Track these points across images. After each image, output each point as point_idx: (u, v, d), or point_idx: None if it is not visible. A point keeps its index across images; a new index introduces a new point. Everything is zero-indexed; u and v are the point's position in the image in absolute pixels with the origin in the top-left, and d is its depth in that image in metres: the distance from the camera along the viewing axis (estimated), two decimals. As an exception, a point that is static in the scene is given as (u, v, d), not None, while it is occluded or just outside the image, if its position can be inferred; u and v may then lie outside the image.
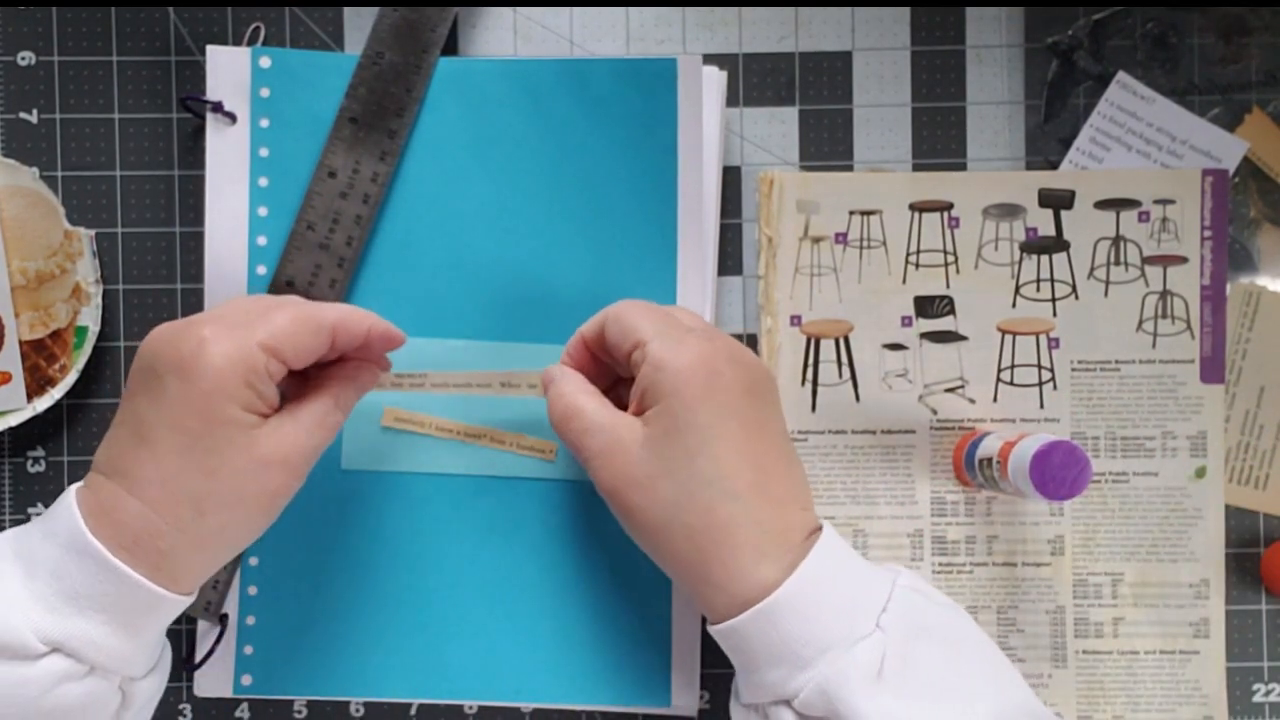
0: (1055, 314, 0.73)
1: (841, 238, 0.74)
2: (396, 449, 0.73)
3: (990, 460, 0.68)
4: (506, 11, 0.74)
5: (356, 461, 0.72)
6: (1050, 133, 0.74)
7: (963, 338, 0.74)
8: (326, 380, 0.64)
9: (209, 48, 0.72)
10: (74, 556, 0.57)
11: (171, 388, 0.58)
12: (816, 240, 0.73)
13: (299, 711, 0.74)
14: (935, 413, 0.74)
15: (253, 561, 0.72)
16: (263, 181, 0.72)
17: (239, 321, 0.59)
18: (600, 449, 0.62)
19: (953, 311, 0.74)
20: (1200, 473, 0.73)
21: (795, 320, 0.74)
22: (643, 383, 0.62)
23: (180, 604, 0.59)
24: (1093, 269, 0.73)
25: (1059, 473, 0.63)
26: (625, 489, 0.62)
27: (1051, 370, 0.73)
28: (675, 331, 0.62)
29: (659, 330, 0.62)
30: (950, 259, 0.74)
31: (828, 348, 0.74)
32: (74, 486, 0.59)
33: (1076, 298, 0.73)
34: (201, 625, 0.72)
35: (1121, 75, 0.73)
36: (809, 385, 0.73)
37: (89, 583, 0.56)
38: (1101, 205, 0.73)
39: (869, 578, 0.61)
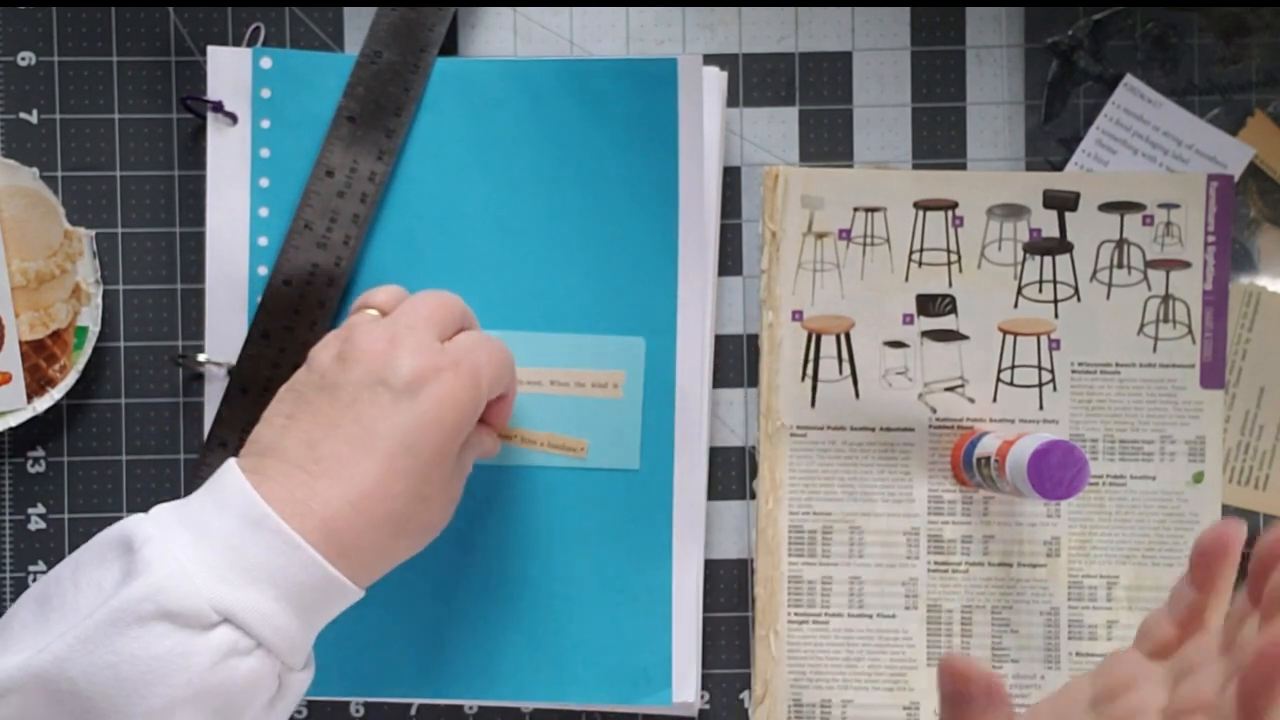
0: (1057, 315, 0.73)
1: (845, 234, 0.74)
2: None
3: (988, 459, 0.68)
4: (506, 11, 0.74)
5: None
6: (1050, 133, 0.74)
7: (964, 337, 0.74)
8: (469, 442, 0.65)
9: (210, 48, 0.72)
10: (251, 528, 0.56)
11: (409, 410, 0.59)
12: (820, 236, 0.73)
13: (299, 712, 0.74)
14: (934, 411, 0.74)
15: (253, 562, 0.72)
16: (263, 182, 0.72)
17: (471, 363, 0.61)
18: None
19: (954, 310, 0.74)
20: (1198, 478, 0.73)
21: (797, 315, 0.74)
22: None
23: (353, 596, 0.59)
24: (1095, 271, 0.73)
25: (1057, 472, 0.63)
26: None
27: (1051, 371, 0.73)
28: None
29: None
30: (953, 258, 0.74)
31: (829, 344, 0.74)
32: (233, 461, 0.59)
33: (1078, 300, 0.73)
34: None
35: (1129, 78, 0.73)
36: (809, 381, 0.74)
37: (266, 556, 0.55)
38: (1105, 208, 0.73)
39: None
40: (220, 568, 0.55)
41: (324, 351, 0.62)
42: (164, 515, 0.57)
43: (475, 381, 0.61)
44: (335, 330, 0.63)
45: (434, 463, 0.60)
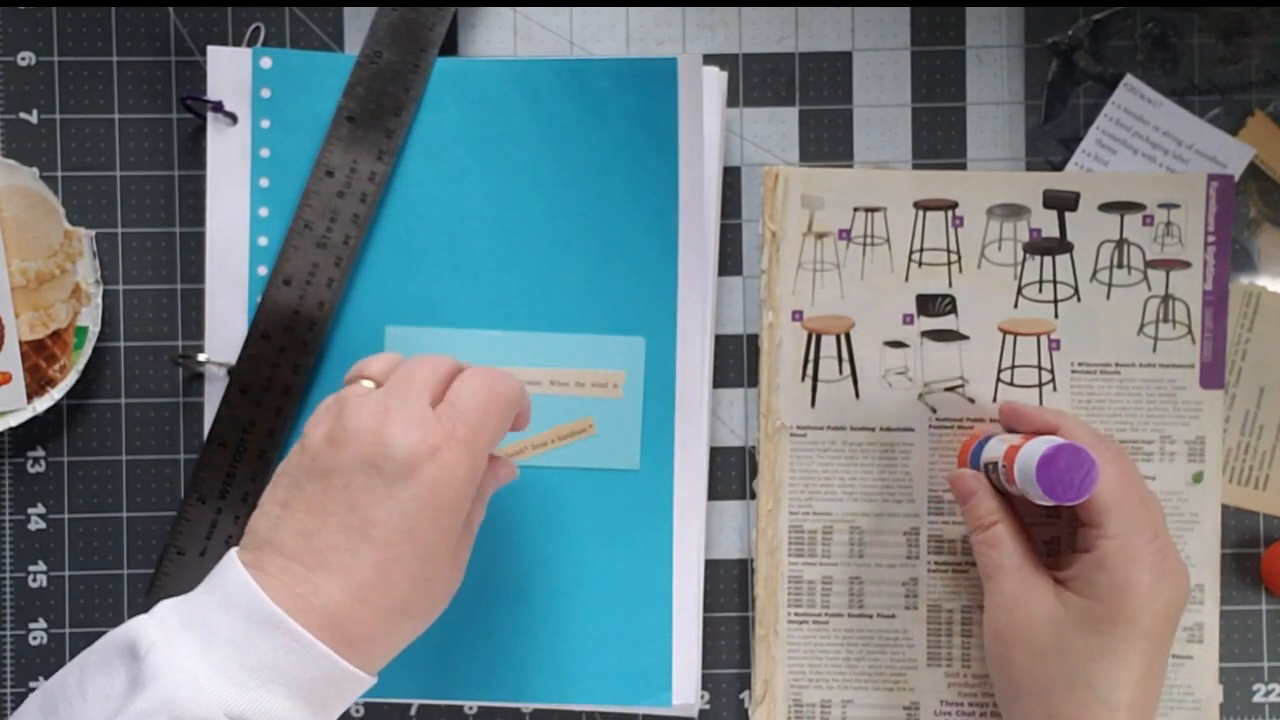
0: (1057, 315, 0.73)
1: (845, 234, 0.74)
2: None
3: (996, 464, 0.68)
4: (506, 11, 0.74)
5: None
6: (1050, 133, 0.74)
7: (964, 337, 0.73)
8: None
9: (210, 48, 0.72)
10: (257, 627, 0.54)
11: (404, 494, 0.57)
12: (820, 236, 0.73)
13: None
14: (935, 411, 0.74)
15: (253, 562, 0.72)
16: (264, 182, 0.72)
17: (468, 429, 0.59)
18: (1008, 597, 0.67)
19: (954, 310, 0.74)
20: (1197, 478, 0.73)
21: (797, 315, 0.74)
22: (1089, 573, 0.65)
23: (366, 683, 0.57)
24: (1095, 271, 0.73)
25: (1066, 475, 0.63)
26: (1013, 643, 0.66)
27: (1051, 371, 0.73)
28: (1145, 542, 0.65)
29: (1136, 537, 0.65)
30: (953, 258, 0.74)
31: (829, 344, 0.74)
32: (234, 553, 0.57)
33: (1078, 300, 0.73)
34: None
35: (1129, 79, 0.73)
36: (809, 381, 0.73)
37: (275, 655, 0.54)
38: (1105, 208, 0.73)
39: None
40: (230, 670, 0.53)
41: (316, 429, 0.60)
42: (167, 615, 0.56)
43: (473, 449, 0.59)
44: (328, 401, 0.61)
45: (436, 541, 0.58)
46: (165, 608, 0.56)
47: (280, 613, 0.54)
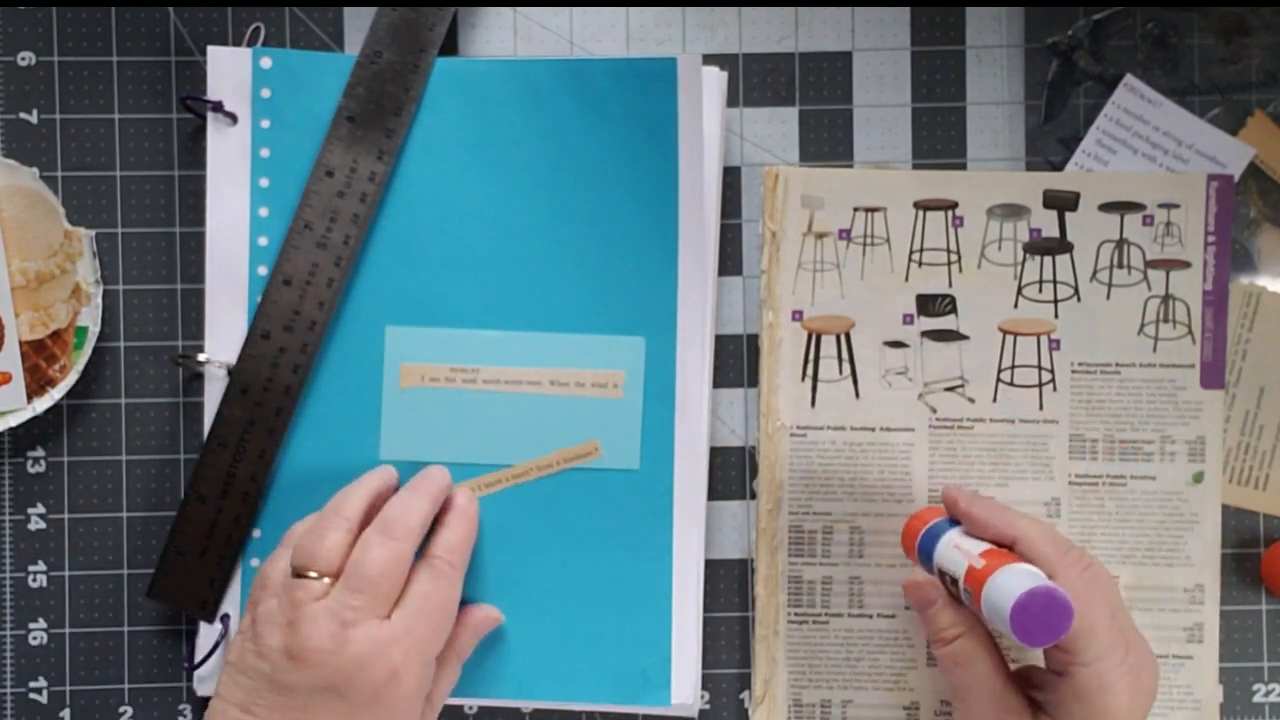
0: (1057, 315, 0.73)
1: (845, 234, 0.74)
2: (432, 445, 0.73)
3: (955, 580, 0.65)
4: (506, 11, 0.74)
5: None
6: (1050, 133, 0.74)
7: (964, 337, 0.73)
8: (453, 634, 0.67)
9: (210, 48, 0.72)
10: None
11: (364, 715, 0.60)
12: (820, 236, 0.73)
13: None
14: (935, 411, 0.74)
15: (254, 563, 0.72)
16: (264, 182, 0.72)
17: (418, 637, 0.62)
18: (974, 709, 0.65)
19: (954, 310, 0.74)
20: (1198, 478, 0.73)
21: (797, 315, 0.74)
22: (1065, 701, 0.62)
23: None
24: (1095, 271, 0.73)
25: (1042, 620, 0.59)
26: None
27: (1051, 371, 0.73)
28: (1119, 662, 0.62)
29: (1110, 659, 0.62)
30: (953, 258, 0.74)
31: (829, 344, 0.74)
32: None
33: (1078, 300, 0.73)
34: (202, 625, 0.72)
35: (1129, 79, 0.73)
36: (809, 381, 0.74)
37: None
38: (1105, 208, 0.73)
39: None
40: None
41: (271, 635, 0.61)
42: None
43: (426, 656, 0.63)
44: (279, 599, 0.62)
45: None
46: None
47: None
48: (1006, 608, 0.59)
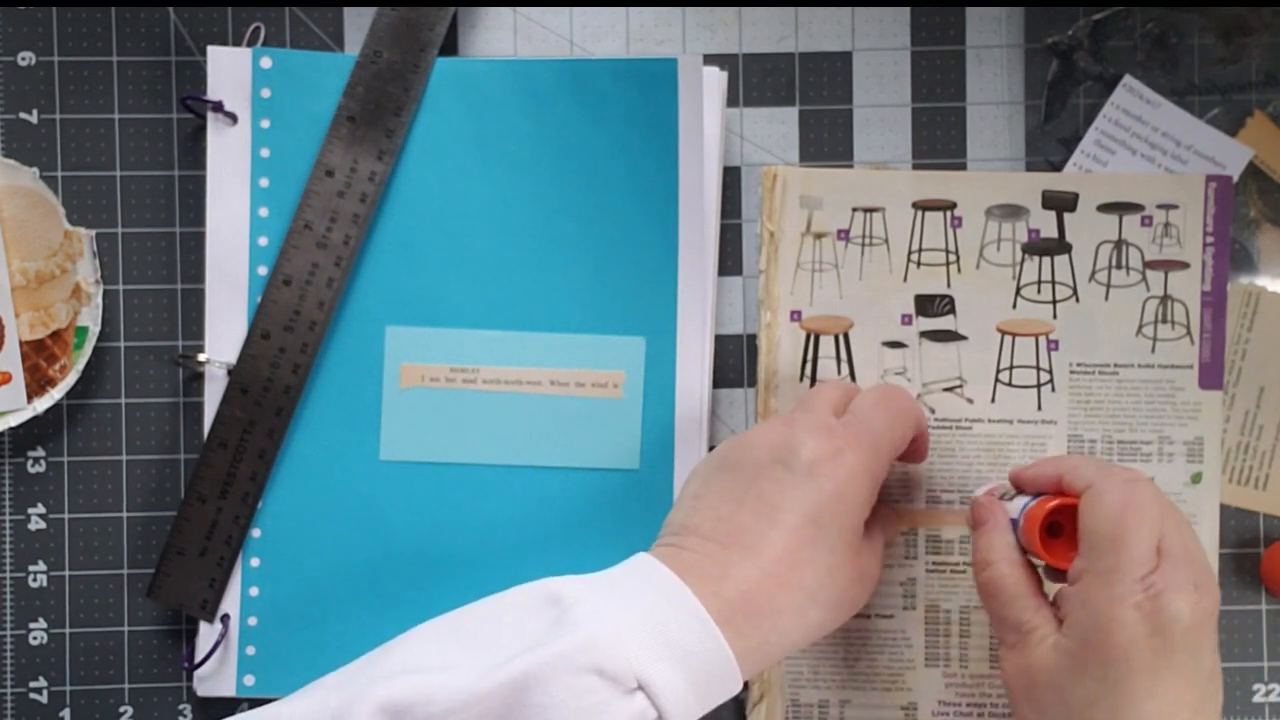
0: (1055, 316, 0.73)
1: (844, 234, 0.74)
2: (430, 443, 0.73)
3: (1016, 522, 0.65)
4: (506, 11, 0.74)
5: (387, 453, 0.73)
6: (1050, 133, 0.74)
7: (962, 337, 0.73)
8: (878, 517, 0.67)
9: (210, 48, 0.72)
10: (673, 608, 0.57)
11: (809, 486, 0.61)
12: (818, 236, 0.73)
13: (300, 710, 0.74)
14: (933, 411, 0.74)
15: (254, 563, 0.72)
16: (264, 182, 0.72)
17: (870, 434, 0.64)
18: (1005, 646, 0.63)
19: (953, 311, 0.74)
20: (1196, 478, 0.73)
21: (795, 315, 0.74)
22: (1073, 611, 0.59)
23: (736, 687, 0.59)
24: (1094, 272, 0.73)
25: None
26: (1021, 699, 0.62)
27: (1050, 372, 0.73)
28: (1136, 577, 0.58)
29: (1126, 570, 0.58)
30: (952, 258, 0.74)
31: (827, 344, 0.74)
32: (649, 552, 0.62)
33: (1077, 300, 0.73)
34: (202, 625, 0.72)
35: (1128, 79, 0.73)
36: (808, 381, 0.73)
37: (684, 637, 0.57)
38: (1104, 208, 0.73)
39: None
40: (644, 639, 0.56)
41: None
42: (586, 581, 0.59)
43: (875, 453, 0.63)
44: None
45: (838, 535, 0.62)
46: (578, 581, 0.59)
47: (693, 597, 0.58)
48: (1020, 518, 0.63)
